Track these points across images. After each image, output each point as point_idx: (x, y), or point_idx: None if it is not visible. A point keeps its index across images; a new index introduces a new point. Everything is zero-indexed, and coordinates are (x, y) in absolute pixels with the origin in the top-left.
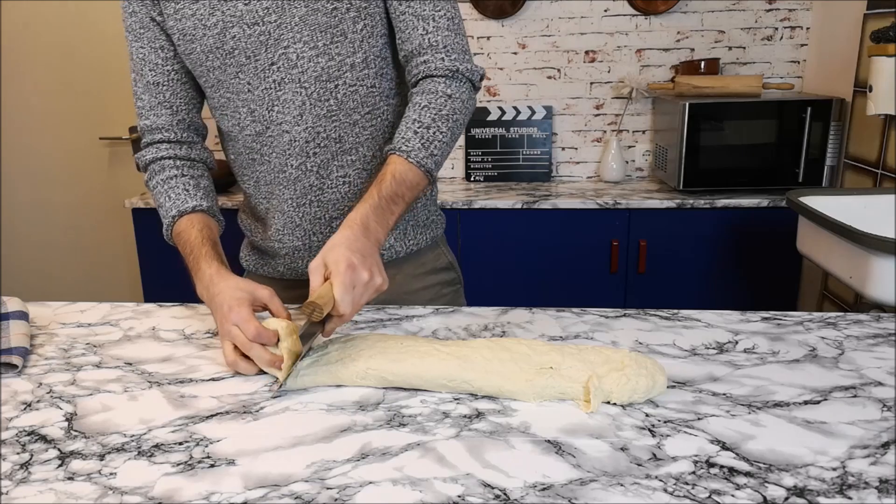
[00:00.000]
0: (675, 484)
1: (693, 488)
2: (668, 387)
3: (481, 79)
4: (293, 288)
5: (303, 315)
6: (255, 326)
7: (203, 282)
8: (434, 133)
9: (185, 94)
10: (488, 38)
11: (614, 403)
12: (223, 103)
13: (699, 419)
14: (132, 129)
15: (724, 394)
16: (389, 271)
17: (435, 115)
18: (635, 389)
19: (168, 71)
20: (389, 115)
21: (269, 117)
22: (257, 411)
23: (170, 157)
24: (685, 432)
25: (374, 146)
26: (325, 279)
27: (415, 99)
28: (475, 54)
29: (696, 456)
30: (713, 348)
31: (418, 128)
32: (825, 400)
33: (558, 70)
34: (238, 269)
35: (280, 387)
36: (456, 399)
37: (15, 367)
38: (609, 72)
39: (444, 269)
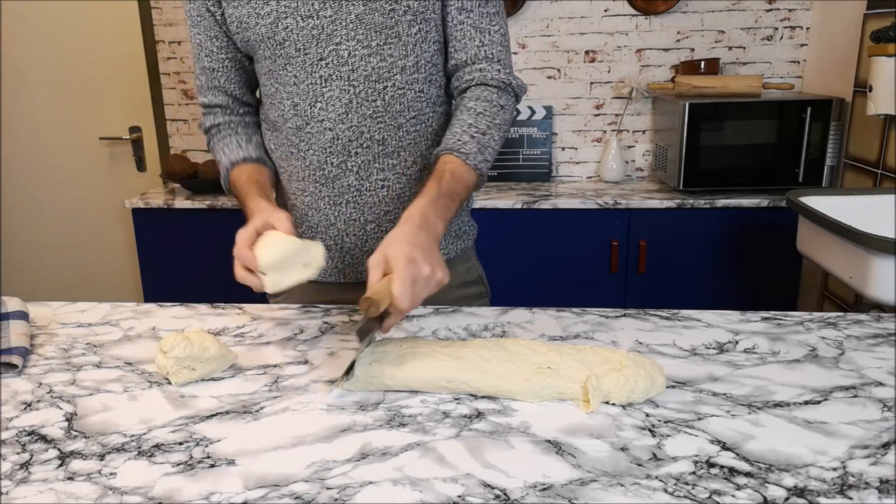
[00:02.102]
0: (675, 484)
1: (693, 488)
2: (668, 387)
3: (524, 94)
4: (322, 293)
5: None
6: (239, 246)
7: (248, 217)
8: (488, 140)
9: (240, 79)
10: None
11: (613, 403)
12: (272, 93)
13: (699, 419)
14: (132, 129)
15: (724, 394)
16: None
17: (489, 122)
18: (634, 389)
19: (222, 59)
20: (434, 122)
21: (310, 113)
22: (257, 411)
23: (226, 123)
24: (685, 432)
25: (415, 152)
26: (384, 275)
27: (468, 104)
28: None
29: (696, 456)
30: (713, 348)
31: (475, 132)
32: (825, 400)
33: (558, 70)
34: None
35: (347, 375)
36: (456, 399)
37: (15, 367)
38: (609, 72)
39: (473, 282)
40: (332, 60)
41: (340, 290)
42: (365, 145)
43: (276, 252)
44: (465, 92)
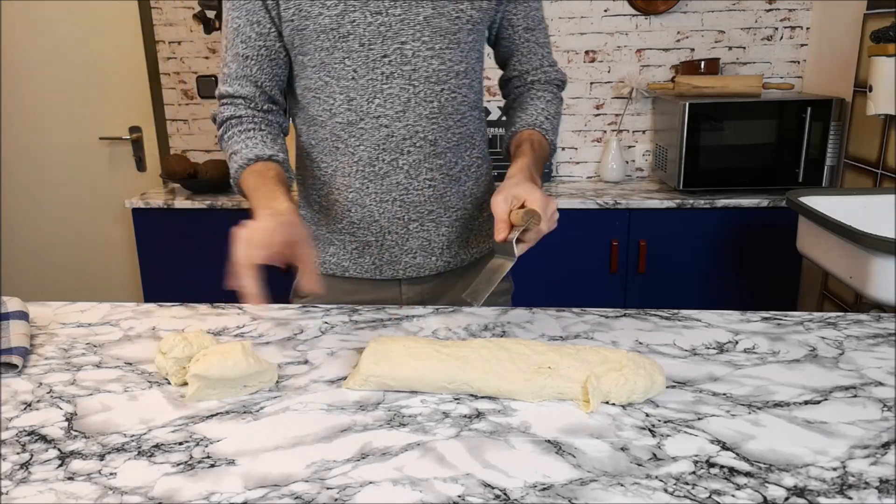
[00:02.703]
0: (675, 484)
1: (693, 488)
2: (668, 387)
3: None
4: (357, 292)
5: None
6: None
7: (276, 207)
8: (557, 123)
9: (272, 71)
10: None
11: (613, 403)
12: (319, 86)
13: (699, 419)
14: (132, 129)
15: (724, 394)
16: (451, 278)
17: (555, 110)
18: (633, 389)
19: (259, 47)
20: (471, 125)
21: (367, 108)
22: (257, 411)
23: (248, 116)
24: (685, 432)
25: (457, 153)
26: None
27: (538, 94)
28: None
29: (696, 456)
30: (713, 348)
31: (549, 115)
32: (825, 400)
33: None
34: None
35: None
36: (456, 399)
37: (15, 367)
38: (609, 72)
39: (502, 279)
40: (396, 59)
41: (373, 288)
42: (417, 144)
43: (226, 370)
44: (531, 87)
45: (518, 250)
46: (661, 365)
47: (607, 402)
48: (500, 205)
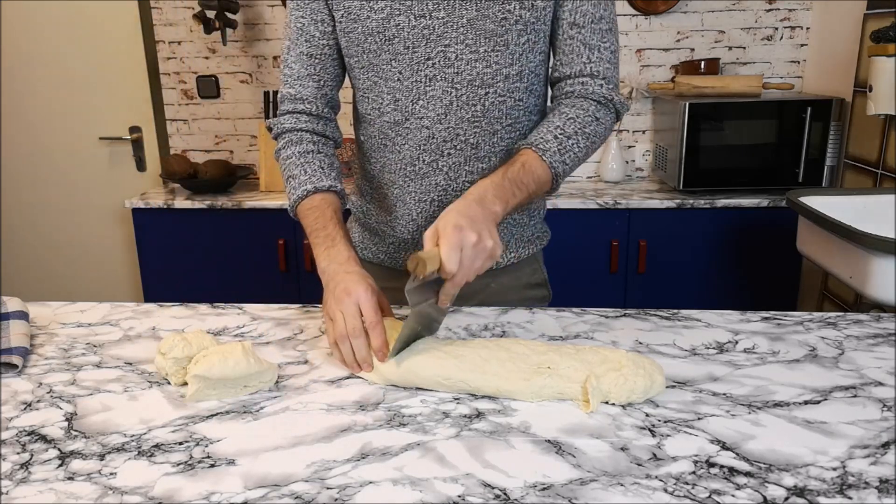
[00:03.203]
0: (675, 484)
1: (693, 488)
2: (667, 387)
3: (625, 112)
4: (388, 278)
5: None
6: (375, 310)
7: (337, 259)
8: (572, 144)
9: (333, 70)
10: None
11: (613, 403)
12: (368, 86)
13: (699, 419)
14: (132, 129)
15: (724, 394)
16: (484, 279)
17: (578, 128)
18: (633, 389)
19: (323, 45)
20: (528, 130)
21: (411, 109)
22: (257, 411)
23: (308, 131)
24: (685, 432)
25: (506, 159)
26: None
27: (562, 109)
28: None
29: (696, 456)
30: (713, 348)
31: (559, 133)
32: (825, 400)
33: None
34: None
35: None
36: (456, 399)
37: (15, 367)
38: None
39: (538, 285)
40: (439, 61)
41: (403, 277)
42: (458, 147)
43: (226, 370)
44: (566, 98)
45: (443, 293)
46: (660, 365)
47: (607, 402)
48: (426, 240)
